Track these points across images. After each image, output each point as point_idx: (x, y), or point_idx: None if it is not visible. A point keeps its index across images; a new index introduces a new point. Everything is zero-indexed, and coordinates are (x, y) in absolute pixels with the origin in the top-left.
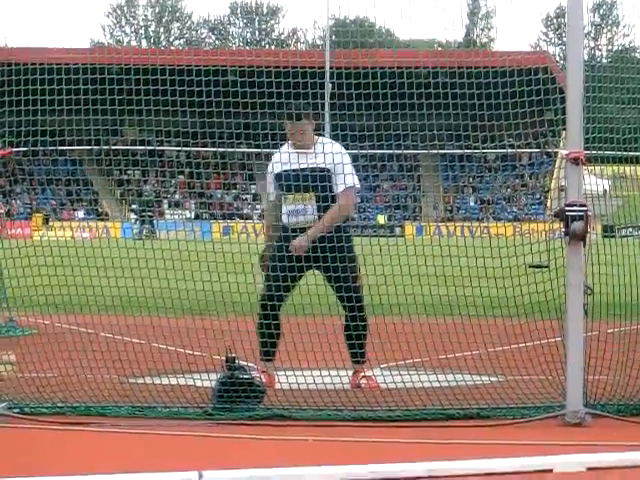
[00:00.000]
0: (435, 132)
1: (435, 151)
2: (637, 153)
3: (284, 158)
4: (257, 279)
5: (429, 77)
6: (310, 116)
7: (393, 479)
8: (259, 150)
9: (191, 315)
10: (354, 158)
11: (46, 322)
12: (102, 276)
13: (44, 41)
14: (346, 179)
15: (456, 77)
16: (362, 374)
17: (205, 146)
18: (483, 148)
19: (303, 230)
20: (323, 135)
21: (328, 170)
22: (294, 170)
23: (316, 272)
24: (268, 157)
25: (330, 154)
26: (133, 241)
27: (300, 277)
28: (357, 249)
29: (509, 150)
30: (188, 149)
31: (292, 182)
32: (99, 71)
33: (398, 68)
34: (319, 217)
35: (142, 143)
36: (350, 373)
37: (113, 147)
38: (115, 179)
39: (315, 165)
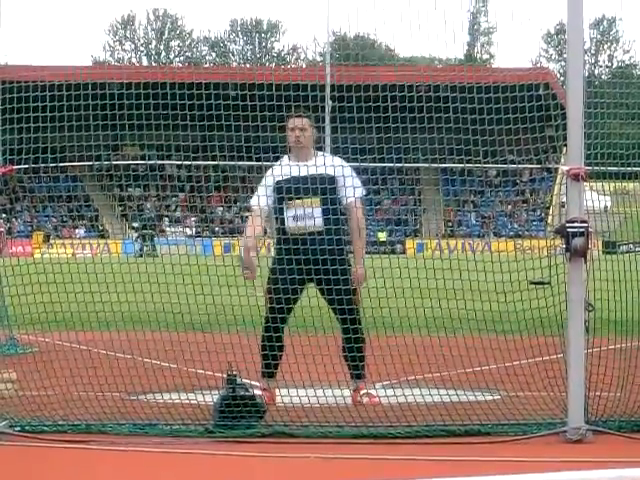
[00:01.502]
0: (437, 146)
1: (435, 165)
2: (638, 169)
3: (284, 170)
4: (258, 291)
5: (430, 92)
6: (312, 119)
7: None
8: (260, 163)
9: (192, 331)
10: (355, 170)
11: (47, 340)
12: (103, 292)
13: (46, 59)
14: (356, 191)
15: (457, 92)
16: (363, 391)
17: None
18: (484, 164)
19: (304, 236)
20: (324, 150)
21: (332, 178)
22: (295, 178)
23: (313, 288)
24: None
25: (332, 166)
26: (135, 258)
27: (302, 289)
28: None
29: (510, 166)
30: (189, 163)
31: (294, 188)
32: (100, 88)
33: (399, 84)
34: (325, 223)
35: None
36: (351, 390)
37: (114, 162)
38: (116, 195)
39: (318, 173)
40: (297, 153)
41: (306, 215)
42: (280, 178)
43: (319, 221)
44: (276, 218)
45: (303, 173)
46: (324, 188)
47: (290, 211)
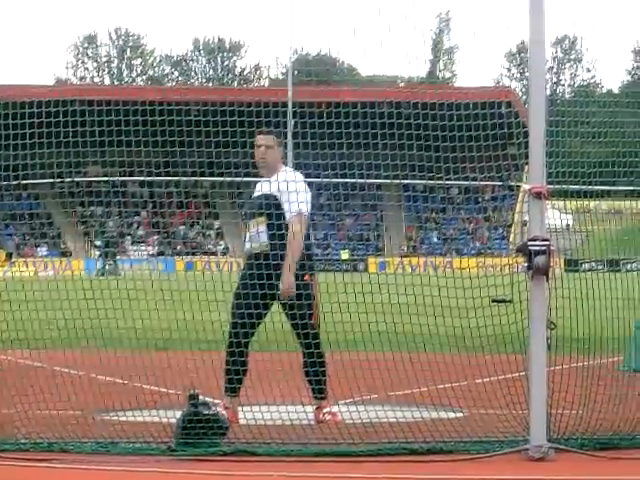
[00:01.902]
0: (399, 162)
1: (397, 181)
2: (600, 187)
3: (256, 187)
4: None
5: (392, 111)
6: (279, 136)
7: None
8: (222, 179)
9: (156, 350)
10: (317, 188)
11: (8, 358)
12: (65, 310)
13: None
14: (292, 206)
15: (419, 110)
16: (326, 409)
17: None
18: (446, 181)
19: (257, 256)
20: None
21: (274, 197)
22: (251, 198)
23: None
24: (232, 191)
25: (283, 182)
26: (97, 277)
27: (266, 310)
28: (321, 285)
29: (472, 182)
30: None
31: (250, 207)
32: (62, 106)
33: (361, 104)
34: (270, 241)
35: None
36: (314, 408)
37: (76, 180)
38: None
39: (266, 192)
40: (262, 170)
41: (253, 236)
42: (254, 195)
43: (264, 241)
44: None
45: (261, 191)
46: (269, 206)
47: (246, 232)
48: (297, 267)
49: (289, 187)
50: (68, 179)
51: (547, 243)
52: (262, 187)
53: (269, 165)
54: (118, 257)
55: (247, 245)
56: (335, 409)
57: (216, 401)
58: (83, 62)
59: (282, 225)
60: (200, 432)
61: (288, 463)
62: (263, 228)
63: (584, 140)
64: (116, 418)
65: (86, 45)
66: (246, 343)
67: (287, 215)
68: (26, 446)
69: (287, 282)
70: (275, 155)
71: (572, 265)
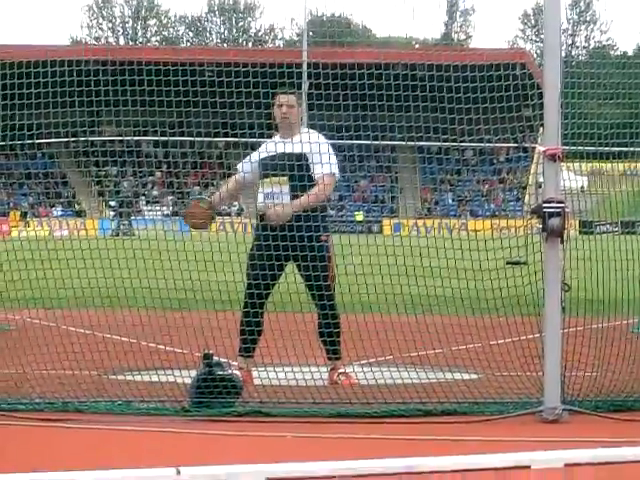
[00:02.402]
0: (413, 124)
1: (412, 143)
2: (615, 148)
3: (270, 147)
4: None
5: (407, 72)
6: (298, 96)
7: (370, 475)
8: (237, 139)
9: (170, 311)
10: (333, 151)
11: (25, 318)
12: (81, 269)
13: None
14: (324, 167)
15: (434, 72)
16: (339, 371)
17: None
18: (461, 142)
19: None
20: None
21: (305, 156)
22: (272, 155)
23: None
24: (246, 151)
25: (309, 143)
26: (111, 237)
27: (280, 271)
28: (336, 247)
29: (486, 144)
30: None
31: (269, 167)
32: (77, 67)
33: (376, 65)
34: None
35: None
36: (328, 369)
37: (90, 139)
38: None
39: (291, 152)
40: (283, 130)
41: (274, 194)
42: (265, 154)
43: (286, 200)
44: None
45: (280, 150)
46: (295, 167)
47: (262, 188)
48: (314, 228)
49: (319, 148)
50: (82, 138)
51: (562, 205)
52: (284, 147)
53: (292, 124)
54: (132, 217)
55: (261, 205)
56: (349, 370)
57: (230, 362)
58: (98, 22)
59: (306, 186)
60: (214, 392)
61: (302, 424)
62: (286, 189)
63: (599, 101)
64: (130, 378)
65: (101, 5)
66: (261, 304)
67: (316, 175)
68: (40, 406)
69: (284, 211)
70: (297, 115)
71: (587, 227)
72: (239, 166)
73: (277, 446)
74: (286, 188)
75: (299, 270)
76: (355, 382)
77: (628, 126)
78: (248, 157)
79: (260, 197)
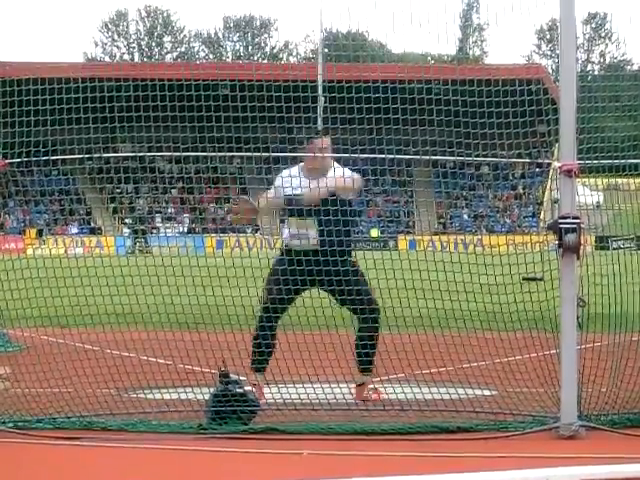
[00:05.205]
0: (428, 139)
1: (427, 157)
2: (631, 161)
3: (294, 182)
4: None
5: (422, 89)
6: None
7: None
8: (251, 154)
9: (187, 329)
10: (345, 164)
11: (41, 336)
12: (96, 288)
13: (39, 56)
14: (354, 174)
15: (449, 87)
16: (371, 386)
17: (198, 159)
18: (477, 158)
19: (306, 253)
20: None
21: (333, 194)
22: (299, 197)
23: (321, 291)
24: (260, 169)
25: (333, 178)
26: (126, 257)
27: (299, 295)
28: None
29: (501, 159)
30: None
31: (295, 207)
32: (92, 85)
33: (391, 81)
34: (321, 242)
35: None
36: (356, 384)
37: (105, 155)
38: (108, 191)
39: (328, 192)
40: (318, 172)
41: (301, 235)
42: (290, 191)
43: (314, 240)
44: (282, 221)
45: (300, 190)
46: (321, 211)
47: (287, 225)
48: (347, 254)
49: (346, 182)
50: (97, 155)
51: (578, 221)
52: (309, 185)
53: (323, 165)
54: (148, 234)
55: (288, 238)
56: (378, 386)
57: (243, 378)
58: (113, 40)
59: (331, 221)
60: (231, 410)
61: (318, 441)
62: (313, 232)
63: (614, 114)
64: (147, 396)
65: (117, 22)
66: (276, 320)
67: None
68: (57, 423)
69: (319, 194)
70: (329, 158)
71: (603, 242)
72: (272, 193)
73: (293, 463)
74: (312, 231)
75: (333, 294)
76: (385, 397)
77: None
78: (273, 185)
79: (285, 232)
